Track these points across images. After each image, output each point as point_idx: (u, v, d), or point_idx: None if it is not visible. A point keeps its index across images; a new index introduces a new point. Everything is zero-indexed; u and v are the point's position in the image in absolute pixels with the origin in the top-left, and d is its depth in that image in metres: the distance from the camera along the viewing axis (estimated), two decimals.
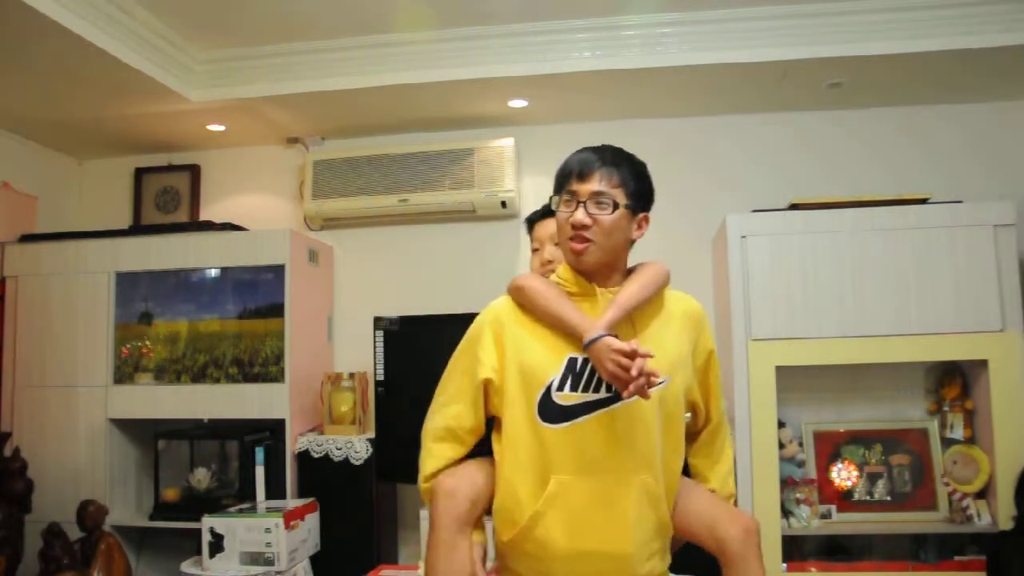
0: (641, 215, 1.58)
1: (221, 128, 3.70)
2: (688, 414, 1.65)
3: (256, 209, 3.92)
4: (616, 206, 1.51)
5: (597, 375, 1.48)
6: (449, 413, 1.61)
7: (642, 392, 1.39)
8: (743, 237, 3.06)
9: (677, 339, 1.58)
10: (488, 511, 1.59)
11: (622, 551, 1.47)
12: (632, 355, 1.39)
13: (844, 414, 3.25)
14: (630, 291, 1.52)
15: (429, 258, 3.74)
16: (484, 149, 3.56)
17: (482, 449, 1.63)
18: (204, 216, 3.90)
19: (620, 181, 1.53)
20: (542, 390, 1.49)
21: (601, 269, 1.55)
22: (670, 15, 3.05)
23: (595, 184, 1.51)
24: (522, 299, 1.57)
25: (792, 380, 3.12)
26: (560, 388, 1.49)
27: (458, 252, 3.70)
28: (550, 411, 1.49)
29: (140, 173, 4.02)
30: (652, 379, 1.39)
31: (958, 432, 3.10)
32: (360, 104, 3.44)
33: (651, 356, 1.40)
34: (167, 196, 3.98)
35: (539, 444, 1.49)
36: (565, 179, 1.55)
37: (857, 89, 3.33)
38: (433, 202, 3.57)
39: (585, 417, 1.48)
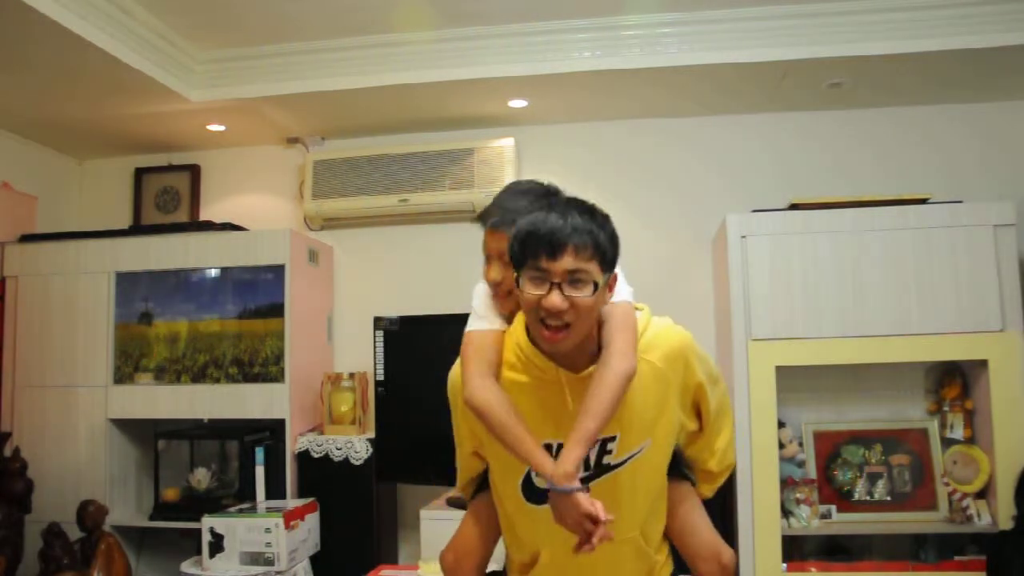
0: (611, 276, 1.38)
1: (221, 128, 3.70)
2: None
3: (256, 209, 3.92)
4: (596, 286, 1.31)
5: None
6: (458, 454, 1.63)
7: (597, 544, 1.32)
8: (743, 237, 3.06)
9: (652, 400, 1.43)
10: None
11: None
12: (595, 520, 1.28)
13: (844, 414, 3.25)
14: (597, 414, 1.32)
15: (429, 258, 3.74)
16: (484, 149, 3.56)
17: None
18: (204, 216, 3.90)
19: (594, 251, 1.31)
20: (522, 475, 1.45)
21: (577, 347, 1.37)
22: (670, 15, 3.05)
23: (570, 262, 1.30)
24: (481, 422, 1.40)
25: (792, 380, 3.11)
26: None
27: (458, 252, 3.69)
28: (533, 493, 1.45)
29: (140, 173, 4.02)
30: (607, 536, 1.30)
31: (958, 432, 3.10)
32: (360, 104, 3.44)
33: (610, 520, 1.30)
34: (167, 196, 3.98)
35: (528, 520, 1.49)
36: (531, 252, 1.31)
37: (857, 89, 3.33)
38: (433, 202, 3.57)
39: None
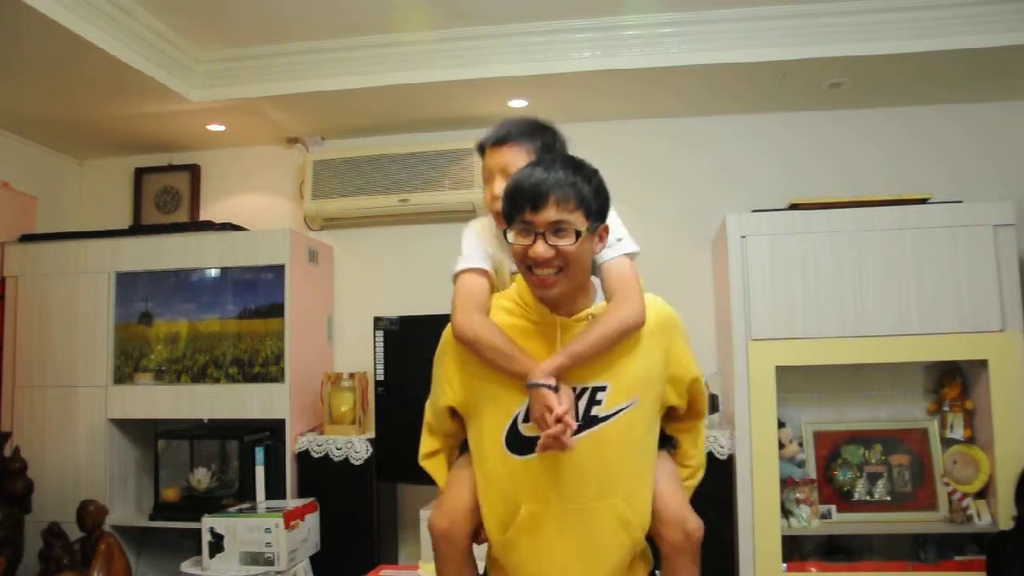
0: (601, 227, 1.45)
1: (221, 128, 3.70)
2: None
3: (256, 209, 3.92)
4: (579, 234, 1.38)
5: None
6: (430, 412, 1.63)
7: (555, 447, 1.37)
8: (743, 237, 3.06)
9: (645, 356, 1.48)
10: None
11: None
12: (559, 419, 1.34)
13: (844, 414, 3.26)
14: (587, 342, 1.41)
15: (429, 258, 3.73)
16: None
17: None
18: (204, 216, 3.90)
19: (578, 202, 1.38)
20: (509, 421, 1.46)
21: (569, 296, 1.45)
22: (670, 15, 3.05)
23: (552, 213, 1.37)
24: (473, 351, 1.47)
25: (792, 380, 3.12)
26: (526, 420, 1.44)
27: (458, 252, 3.69)
28: (517, 442, 1.46)
29: (140, 173, 4.02)
30: (564, 442, 1.36)
31: (958, 432, 3.10)
32: (360, 104, 3.44)
33: (572, 428, 1.37)
34: (167, 196, 3.98)
35: (508, 474, 1.47)
36: (517, 207, 1.39)
37: (857, 89, 3.33)
38: (433, 202, 3.57)
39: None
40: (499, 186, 1.53)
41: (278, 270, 3.34)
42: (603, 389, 1.45)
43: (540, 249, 1.38)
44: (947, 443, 3.11)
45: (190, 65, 3.28)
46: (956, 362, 3.13)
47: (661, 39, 3.09)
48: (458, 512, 1.54)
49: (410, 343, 3.24)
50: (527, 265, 1.41)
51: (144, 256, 3.43)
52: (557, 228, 1.38)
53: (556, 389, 1.38)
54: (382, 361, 3.27)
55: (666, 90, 3.35)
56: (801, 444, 3.18)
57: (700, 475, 1.64)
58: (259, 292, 3.35)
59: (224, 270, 3.40)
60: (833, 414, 3.27)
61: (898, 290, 2.97)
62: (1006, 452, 2.88)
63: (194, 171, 3.98)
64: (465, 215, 3.63)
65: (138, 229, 3.72)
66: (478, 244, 1.58)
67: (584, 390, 1.45)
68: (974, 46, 2.93)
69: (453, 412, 1.57)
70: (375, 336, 3.30)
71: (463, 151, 3.57)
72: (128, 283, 3.44)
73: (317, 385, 3.47)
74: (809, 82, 3.26)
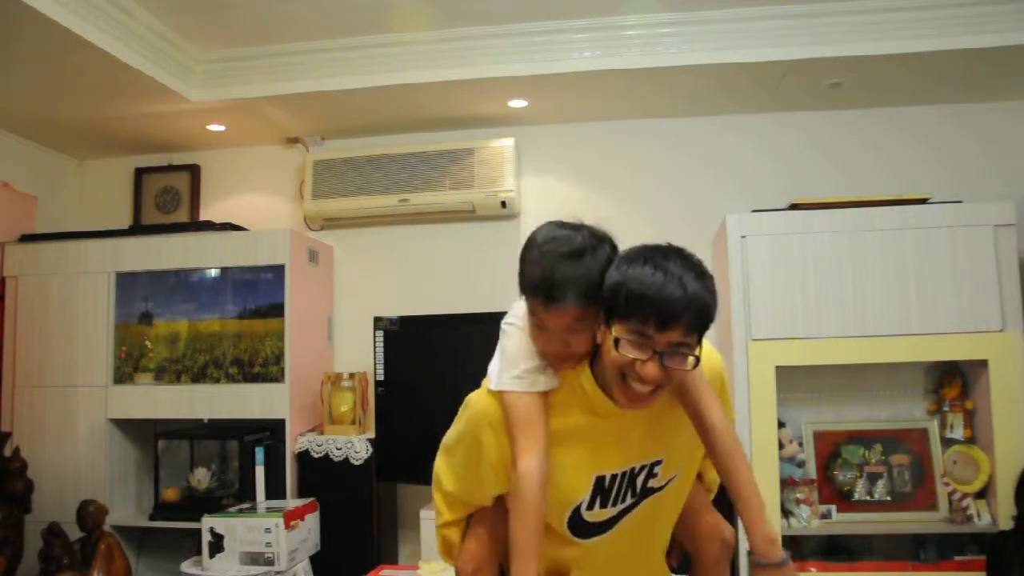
0: None
1: (221, 128, 3.70)
2: None
3: (256, 209, 3.92)
4: (697, 360, 1.26)
5: (624, 487, 1.43)
6: (456, 485, 1.50)
7: None
8: (743, 237, 3.06)
9: (688, 420, 1.43)
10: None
11: None
12: None
13: (844, 414, 3.25)
14: (754, 489, 1.36)
15: (429, 258, 3.74)
16: (484, 149, 3.56)
17: None
18: (204, 216, 3.90)
19: (701, 325, 1.26)
20: (570, 510, 1.42)
21: None
22: (670, 15, 3.04)
23: (678, 336, 1.24)
24: (513, 495, 1.35)
25: (792, 380, 3.12)
26: (590, 507, 1.42)
27: (458, 252, 3.70)
28: (579, 527, 1.45)
29: (140, 173, 4.02)
30: None
31: (958, 432, 3.10)
32: (360, 104, 3.44)
33: None
34: (167, 196, 3.98)
35: (567, 548, 1.48)
36: (637, 316, 1.23)
37: (858, 89, 3.33)
38: (433, 202, 3.57)
39: (614, 527, 1.47)
40: (556, 344, 1.35)
41: (278, 270, 3.34)
42: (659, 463, 1.45)
43: (653, 371, 1.24)
44: (947, 443, 3.11)
45: (190, 65, 3.27)
46: (956, 362, 3.13)
47: (661, 39, 3.09)
48: (480, 559, 1.50)
49: (410, 343, 3.24)
50: (626, 378, 1.27)
51: (144, 256, 3.43)
52: (676, 351, 1.25)
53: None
54: (382, 361, 3.27)
55: (666, 90, 3.35)
56: (801, 444, 3.18)
57: (715, 489, 1.68)
58: (259, 292, 3.35)
59: (224, 270, 3.40)
60: (833, 414, 3.26)
61: (898, 290, 2.97)
62: (1006, 452, 2.88)
63: (194, 171, 3.98)
64: (465, 215, 3.64)
65: (138, 229, 3.72)
66: (528, 350, 1.38)
67: (643, 467, 1.44)
68: (974, 46, 2.93)
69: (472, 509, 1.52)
70: (375, 336, 3.30)
71: (463, 151, 3.57)
72: (128, 283, 3.44)
73: (317, 385, 3.47)
74: (809, 82, 3.26)
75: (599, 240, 1.34)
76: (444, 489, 1.52)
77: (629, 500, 1.44)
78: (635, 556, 1.51)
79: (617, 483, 1.41)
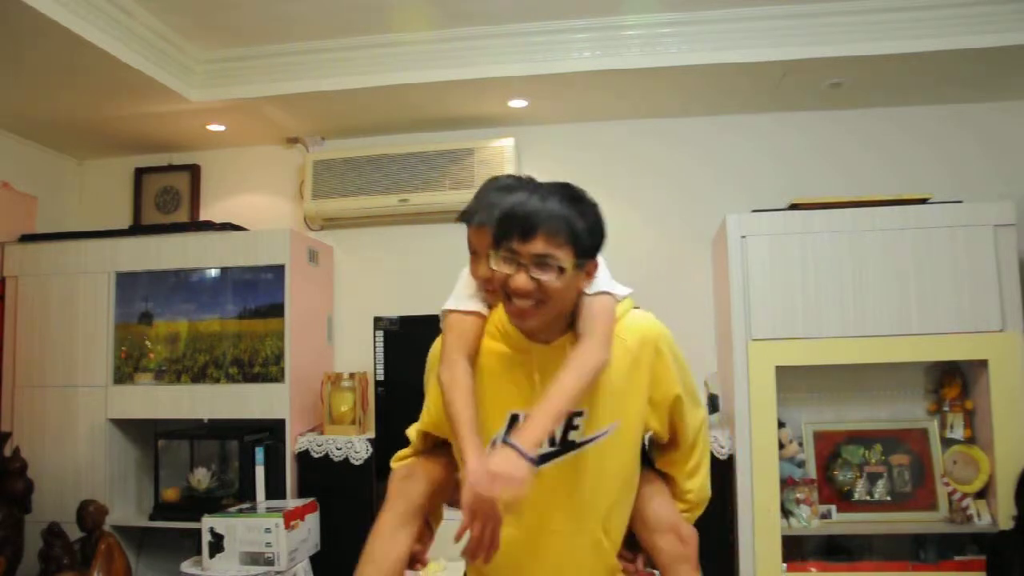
0: (590, 263, 1.39)
1: (221, 128, 3.70)
2: (648, 433, 1.54)
3: (256, 209, 3.92)
4: (562, 271, 1.32)
5: None
6: (429, 420, 1.59)
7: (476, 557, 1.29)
8: (743, 237, 3.06)
9: (627, 380, 1.43)
10: (450, 503, 1.57)
11: None
12: (478, 537, 1.26)
13: (844, 414, 3.26)
14: (569, 395, 1.32)
15: (429, 258, 3.73)
16: (484, 149, 3.56)
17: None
18: (204, 216, 3.90)
19: (568, 238, 1.32)
20: (488, 447, 1.40)
21: (547, 327, 1.40)
22: (670, 15, 3.05)
23: (540, 245, 1.31)
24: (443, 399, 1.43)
25: (792, 380, 3.12)
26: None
27: (458, 252, 3.66)
28: None
29: (140, 173, 4.02)
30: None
31: (958, 432, 3.10)
32: (360, 104, 3.44)
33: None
34: (167, 196, 3.98)
35: None
36: (505, 233, 1.34)
37: (857, 89, 3.33)
38: (433, 202, 3.57)
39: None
40: (484, 268, 1.46)
41: (278, 270, 3.34)
42: (580, 414, 1.41)
43: (521, 281, 1.33)
44: (947, 443, 3.11)
45: (190, 65, 3.27)
46: (956, 362, 3.13)
47: (661, 39, 3.09)
48: (424, 474, 1.54)
49: (410, 343, 3.23)
50: (506, 293, 1.36)
51: (144, 256, 3.43)
52: (542, 261, 1.32)
53: (536, 463, 1.29)
54: (382, 361, 3.27)
55: (666, 90, 3.35)
56: (801, 444, 3.18)
57: (699, 511, 1.57)
58: (259, 292, 3.35)
59: (224, 270, 3.40)
60: (833, 414, 3.26)
61: (898, 290, 2.97)
62: (1006, 452, 2.88)
63: (194, 171, 3.98)
64: None
65: (138, 229, 3.72)
66: (472, 284, 1.53)
67: None
68: (974, 46, 2.93)
69: (427, 440, 1.58)
70: (375, 336, 3.30)
71: (463, 151, 3.57)
72: (128, 283, 3.44)
73: (317, 385, 3.47)
74: (809, 82, 3.26)
75: (536, 187, 1.42)
76: (417, 427, 1.62)
77: (546, 448, 1.40)
78: (563, 521, 1.43)
79: None
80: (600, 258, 1.45)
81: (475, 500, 1.24)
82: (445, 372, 1.42)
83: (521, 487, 1.24)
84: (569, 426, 1.42)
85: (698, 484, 1.55)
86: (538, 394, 1.36)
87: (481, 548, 1.27)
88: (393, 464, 1.63)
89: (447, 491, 1.57)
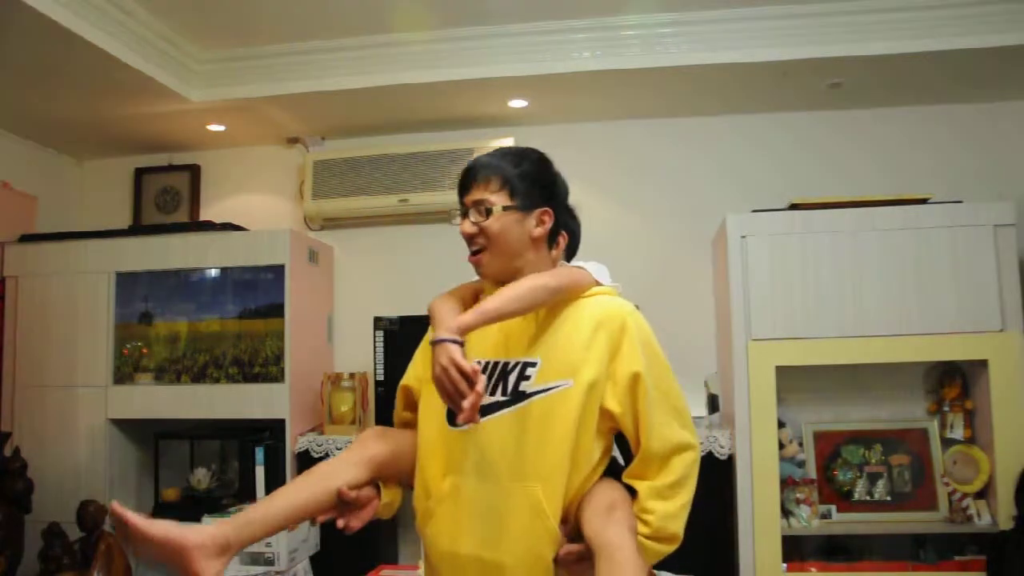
0: (539, 211, 1.52)
1: (221, 128, 3.70)
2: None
3: (256, 209, 3.92)
4: (490, 212, 1.49)
5: (497, 378, 1.47)
6: (397, 406, 1.68)
7: (470, 419, 1.35)
8: (743, 237, 3.06)
9: (581, 342, 1.44)
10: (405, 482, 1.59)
11: (498, 560, 1.41)
12: (470, 377, 1.33)
13: (844, 414, 3.25)
14: (501, 298, 1.44)
15: (429, 258, 3.73)
16: (484, 149, 3.55)
17: None
18: (204, 216, 3.90)
19: (501, 183, 1.50)
20: None
21: (507, 275, 1.51)
22: (670, 15, 3.04)
23: (476, 193, 1.51)
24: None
25: (792, 380, 3.12)
26: None
27: (458, 252, 3.67)
28: (453, 414, 1.42)
29: (140, 173, 4.02)
30: (475, 417, 1.35)
31: (958, 432, 3.10)
32: (360, 104, 3.44)
33: (481, 394, 1.34)
34: (167, 196, 3.98)
35: (444, 444, 1.50)
36: (459, 192, 1.56)
37: (857, 89, 3.33)
38: (433, 202, 3.57)
39: (483, 419, 1.42)
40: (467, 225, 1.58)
41: (278, 270, 3.34)
42: (533, 365, 1.45)
43: (465, 226, 1.52)
44: (947, 443, 3.11)
45: (190, 65, 3.27)
46: (956, 362, 3.13)
47: (661, 39, 3.09)
48: (393, 434, 1.59)
49: (410, 343, 3.21)
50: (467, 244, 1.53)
51: (144, 256, 3.43)
52: (478, 207, 1.50)
53: (461, 344, 1.38)
54: (382, 361, 3.27)
55: (666, 90, 3.35)
56: (801, 444, 3.18)
57: (659, 546, 1.42)
58: (259, 292, 3.35)
59: (224, 270, 3.40)
60: (833, 414, 3.26)
61: (898, 290, 2.97)
62: (1006, 452, 2.88)
63: (194, 171, 3.98)
64: None
65: (138, 229, 3.73)
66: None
67: (516, 364, 1.46)
68: (974, 46, 2.93)
69: (408, 396, 1.63)
70: (375, 336, 3.30)
71: (463, 151, 3.57)
72: (128, 283, 3.44)
73: (317, 385, 3.47)
74: (809, 82, 3.26)
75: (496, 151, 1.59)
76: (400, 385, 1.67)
77: (499, 396, 1.46)
78: (504, 474, 1.42)
79: (488, 371, 1.48)
80: (598, 264, 1.56)
81: (435, 367, 1.36)
82: (431, 304, 1.57)
83: (450, 353, 1.35)
84: (521, 376, 1.45)
85: (662, 511, 1.41)
86: (510, 344, 1.49)
87: (461, 413, 1.34)
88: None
89: (409, 467, 1.55)
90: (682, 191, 3.63)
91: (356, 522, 1.48)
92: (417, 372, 1.62)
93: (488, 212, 1.49)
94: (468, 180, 1.53)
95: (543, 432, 1.42)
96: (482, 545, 1.43)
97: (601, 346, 1.44)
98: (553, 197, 1.56)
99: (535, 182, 1.54)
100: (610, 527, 1.34)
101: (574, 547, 1.40)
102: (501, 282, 1.51)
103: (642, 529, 1.41)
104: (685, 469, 1.45)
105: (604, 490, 1.44)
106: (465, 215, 1.53)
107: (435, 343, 1.38)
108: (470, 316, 1.41)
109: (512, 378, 1.46)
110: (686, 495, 1.45)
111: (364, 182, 3.63)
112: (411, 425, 1.62)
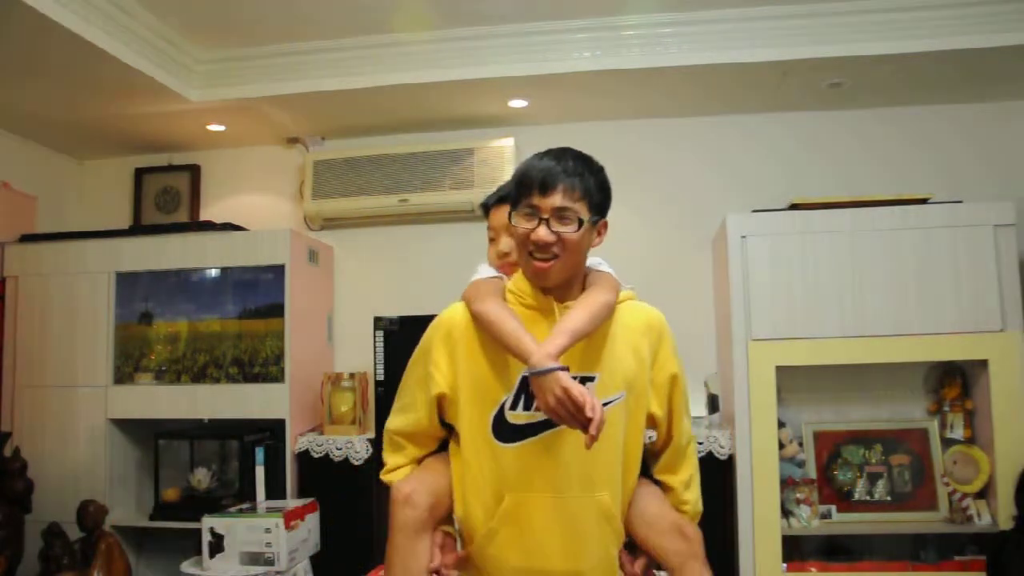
0: (601, 222, 1.50)
1: (221, 128, 3.70)
2: (651, 431, 1.58)
3: (256, 209, 3.92)
4: (581, 223, 1.42)
5: None
6: (408, 419, 1.59)
7: (593, 438, 1.32)
8: (743, 237, 3.06)
9: (630, 353, 1.49)
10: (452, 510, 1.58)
11: (576, 569, 1.46)
12: (581, 403, 1.30)
13: (844, 414, 3.25)
14: (579, 317, 1.42)
15: (429, 258, 3.74)
16: (484, 149, 3.56)
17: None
18: (204, 216, 3.90)
19: (583, 193, 1.44)
20: (495, 408, 1.46)
21: (562, 284, 1.48)
22: (670, 15, 3.05)
23: (558, 199, 1.42)
24: (478, 324, 1.49)
25: (792, 380, 3.12)
26: (513, 407, 1.45)
27: (458, 252, 3.69)
28: (504, 430, 1.46)
29: (140, 173, 4.02)
30: (595, 426, 1.31)
31: (958, 432, 3.10)
32: (360, 104, 3.44)
33: (602, 415, 1.32)
34: (167, 196, 3.98)
35: (494, 461, 1.47)
36: (525, 191, 1.44)
37: (857, 89, 3.33)
38: (433, 202, 3.57)
39: (538, 436, 1.44)
40: (505, 244, 1.62)
41: (278, 270, 3.34)
42: (592, 379, 1.46)
43: (543, 233, 1.42)
44: (947, 443, 3.11)
45: (190, 65, 3.27)
46: (956, 362, 3.13)
47: (661, 39, 3.09)
48: (423, 486, 1.54)
49: (410, 343, 3.21)
50: (528, 251, 1.44)
51: (144, 256, 3.43)
52: (561, 215, 1.42)
53: (567, 369, 1.35)
54: (382, 361, 3.27)
55: (666, 90, 3.35)
56: (801, 444, 3.18)
57: (695, 524, 1.59)
58: (259, 292, 3.35)
59: (224, 270, 3.40)
60: (833, 414, 3.26)
61: (898, 290, 2.97)
62: (1006, 452, 2.88)
63: (194, 171, 3.98)
64: (465, 215, 3.64)
65: (138, 229, 3.73)
66: (488, 270, 1.64)
67: (576, 379, 1.42)
68: (974, 46, 2.93)
69: (440, 404, 1.54)
70: (375, 336, 3.30)
71: (463, 151, 3.57)
72: (128, 283, 3.44)
73: (317, 385, 3.47)
74: (809, 82, 3.26)
75: (546, 152, 1.50)
76: (390, 434, 1.62)
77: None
78: (573, 486, 1.45)
79: None
80: (600, 260, 1.57)
81: (547, 397, 1.33)
82: (480, 305, 1.48)
83: (561, 383, 1.32)
84: None
85: (693, 497, 1.60)
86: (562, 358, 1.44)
87: (588, 424, 1.30)
88: (384, 478, 1.63)
89: (449, 499, 1.56)
90: (682, 191, 3.63)
91: (450, 558, 1.54)
92: (447, 378, 1.52)
93: (579, 223, 1.42)
94: (550, 183, 1.43)
95: (605, 444, 1.44)
96: (563, 557, 1.46)
97: (645, 355, 1.51)
98: (609, 207, 1.53)
99: (607, 194, 1.51)
100: (695, 565, 1.51)
101: (631, 569, 1.54)
102: (545, 288, 1.48)
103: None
104: (695, 456, 1.64)
105: (654, 501, 1.57)
106: (540, 219, 1.42)
107: (541, 373, 1.34)
108: (563, 339, 1.38)
109: None
110: (698, 476, 1.63)
111: (364, 182, 3.63)
112: (433, 436, 1.59)
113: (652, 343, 1.52)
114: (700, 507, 1.61)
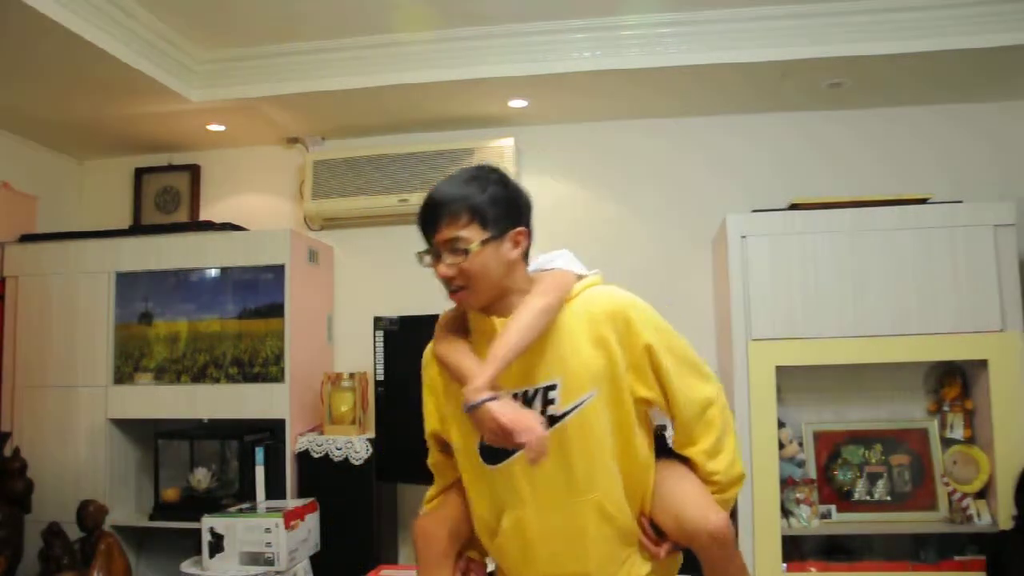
0: (513, 232, 1.43)
1: (221, 128, 3.70)
2: (655, 410, 1.52)
3: (256, 209, 3.92)
4: (468, 252, 1.39)
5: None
6: (430, 453, 1.65)
7: (539, 457, 1.31)
8: (743, 237, 3.06)
9: (595, 345, 1.43)
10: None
11: (583, 571, 1.47)
12: (510, 431, 1.29)
13: (844, 414, 3.26)
14: (506, 340, 1.36)
15: None
16: (484, 149, 3.56)
17: None
18: (204, 216, 3.90)
19: (471, 215, 1.39)
20: (478, 435, 1.43)
21: (492, 303, 1.45)
22: (670, 15, 3.04)
23: (445, 232, 1.40)
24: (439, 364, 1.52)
25: (792, 380, 3.12)
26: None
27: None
28: (488, 452, 1.47)
29: (140, 173, 4.02)
30: (539, 448, 1.30)
31: (958, 432, 3.10)
32: (360, 104, 3.44)
33: (541, 434, 1.30)
34: (167, 196, 3.98)
35: (487, 483, 1.51)
36: (420, 229, 1.46)
37: (857, 89, 3.32)
38: None
39: (517, 453, 1.41)
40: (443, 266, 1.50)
41: (278, 270, 3.34)
42: (554, 387, 1.43)
43: (442, 269, 1.42)
44: (947, 443, 3.11)
45: (190, 65, 3.27)
46: (956, 362, 3.13)
47: (660, 39, 3.09)
48: (437, 516, 1.60)
49: (410, 343, 3.21)
50: (445, 287, 1.44)
51: (144, 256, 3.43)
52: (452, 247, 1.40)
53: (496, 399, 1.33)
54: (382, 361, 3.27)
55: (666, 90, 3.35)
56: (801, 444, 3.18)
57: (733, 491, 1.53)
58: (259, 292, 3.35)
59: (224, 270, 3.40)
60: (833, 414, 3.26)
61: (898, 290, 2.97)
62: (1006, 452, 2.88)
63: (194, 171, 3.98)
64: None
65: (138, 229, 3.73)
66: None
67: (536, 391, 1.44)
68: (974, 46, 2.93)
69: (439, 439, 1.61)
70: (375, 336, 3.30)
71: (463, 151, 3.57)
72: (128, 283, 3.44)
73: (317, 385, 3.47)
74: (809, 82, 3.26)
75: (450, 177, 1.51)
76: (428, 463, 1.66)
77: None
78: (561, 494, 1.44)
79: None
80: (568, 252, 1.53)
81: (483, 430, 1.33)
82: (435, 344, 1.53)
83: (492, 414, 1.30)
84: (546, 401, 1.43)
85: (724, 464, 1.50)
86: (523, 371, 1.43)
87: (529, 451, 1.29)
88: (422, 509, 1.69)
89: (469, 523, 1.60)
90: (682, 191, 3.63)
91: None
92: (435, 415, 1.58)
93: (465, 252, 1.39)
94: (433, 217, 1.42)
95: (585, 446, 1.43)
96: (569, 562, 1.47)
97: (613, 342, 1.43)
98: (522, 213, 1.47)
99: (506, 204, 1.44)
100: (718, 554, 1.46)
101: (655, 549, 1.50)
102: (482, 310, 1.48)
103: (714, 490, 1.50)
104: (721, 420, 1.51)
105: (674, 485, 1.50)
106: (436, 256, 1.43)
107: (471, 409, 1.32)
108: (490, 368, 1.34)
109: (537, 405, 1.43)
110: (732, 438, 1.53)
111: (364, 182, 3.63)
112: (451, 466, 1.62)
113: (618, 328, 1.44)
114: (736, 471, 1.51)
